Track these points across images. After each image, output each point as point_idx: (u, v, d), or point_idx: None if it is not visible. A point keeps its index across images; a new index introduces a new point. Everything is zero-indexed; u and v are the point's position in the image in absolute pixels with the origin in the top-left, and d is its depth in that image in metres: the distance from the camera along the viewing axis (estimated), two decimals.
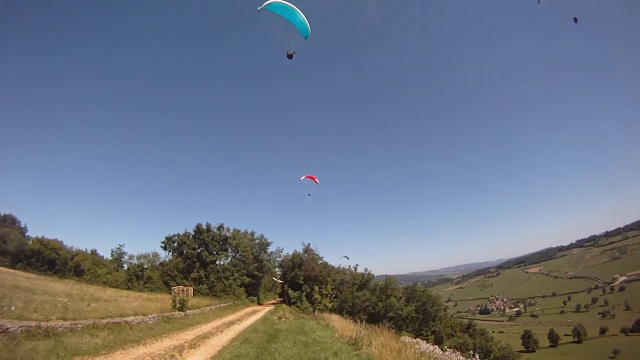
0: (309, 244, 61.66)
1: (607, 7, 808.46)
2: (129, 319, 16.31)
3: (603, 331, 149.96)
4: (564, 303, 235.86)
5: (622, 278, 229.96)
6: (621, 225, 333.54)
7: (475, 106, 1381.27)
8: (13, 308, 12.95)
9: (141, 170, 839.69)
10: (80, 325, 12.74)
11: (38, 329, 10.68)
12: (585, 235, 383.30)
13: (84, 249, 66.64)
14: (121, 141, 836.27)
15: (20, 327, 10.22)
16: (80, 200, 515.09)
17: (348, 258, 68.94)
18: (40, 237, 58.29)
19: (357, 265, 72.05)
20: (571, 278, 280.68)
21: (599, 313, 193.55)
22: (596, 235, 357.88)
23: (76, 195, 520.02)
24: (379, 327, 18.16)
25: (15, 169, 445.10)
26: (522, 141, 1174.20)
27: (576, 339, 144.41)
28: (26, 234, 68.12)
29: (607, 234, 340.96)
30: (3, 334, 9.50)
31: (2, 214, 70.60)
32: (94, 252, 68.83)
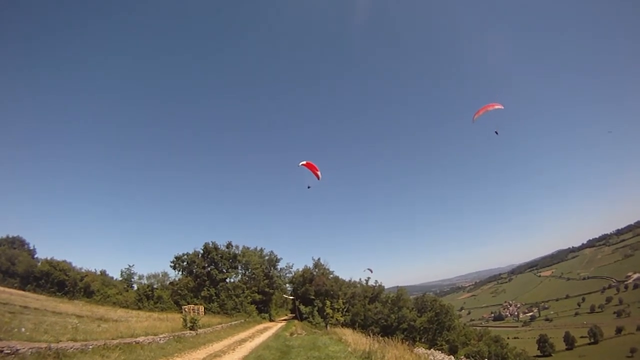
0: (319, 259, 61.18)
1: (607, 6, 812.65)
2: (140, 339, 16.18)
3: (619, 330, 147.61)
4: (578, 305, 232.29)
5: (636, 276, 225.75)
6: (632, 222, 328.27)
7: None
8: (23, 330, 12.87)
9: (149, 190, 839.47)
10: (91, 346, 12.64)
11: (48, 350, 10.59)
12: (596, 234, 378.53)
13: (93, 270, 67.10)
14: (129, 160, 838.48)
15: (31, 348, 10.14)
16: (88, 221, 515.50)
17: (371, 271, 67.58)
18: (49, 258, 58.62)
19: (368, 278, 71.43)
20: (584, 279, 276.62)
21: (614, 312, 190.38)
22: (607, 234, 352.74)
23: (85, 216, 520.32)
24: (392, 339, 17.87)
25: (23, 190, 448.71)
26: (526, 144, 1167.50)
27: (592, 340, 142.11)
28: (35, 256, 68.66)
29: (618, 232, 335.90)
30: (13, 356, 9.44)
31: (10, 236, 71.41)
32: (103, 273, 69.18)
